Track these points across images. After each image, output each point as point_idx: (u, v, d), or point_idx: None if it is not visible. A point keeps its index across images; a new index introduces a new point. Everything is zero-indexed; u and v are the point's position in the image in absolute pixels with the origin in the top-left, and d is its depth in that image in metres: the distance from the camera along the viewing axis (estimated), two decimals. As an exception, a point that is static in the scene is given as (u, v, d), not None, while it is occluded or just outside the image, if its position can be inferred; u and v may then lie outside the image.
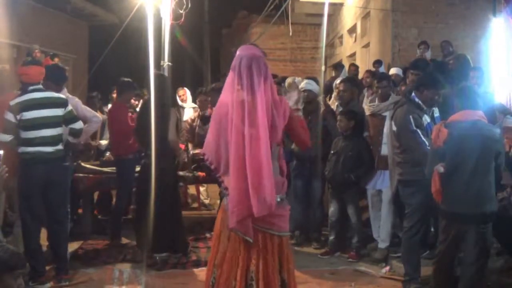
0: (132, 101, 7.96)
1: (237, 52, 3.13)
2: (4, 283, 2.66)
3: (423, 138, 4.59)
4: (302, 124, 3.36)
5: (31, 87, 4.91)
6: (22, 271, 2.80)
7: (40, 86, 4.99)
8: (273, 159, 3.08)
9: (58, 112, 4.95)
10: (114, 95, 8.49)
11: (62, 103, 5.00)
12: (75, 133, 5.17)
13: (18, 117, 4.82)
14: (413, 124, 4.64)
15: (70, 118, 5.06)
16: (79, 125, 5.16)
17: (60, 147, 4.97)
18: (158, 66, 7.42)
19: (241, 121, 2.97)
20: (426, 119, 4.73)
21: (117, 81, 6.82)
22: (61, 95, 5.14)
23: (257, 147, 2.93)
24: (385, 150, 5.73)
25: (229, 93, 3.06)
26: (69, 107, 5.07)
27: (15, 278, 2.75)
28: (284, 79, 7.72)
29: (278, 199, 3.08)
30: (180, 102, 8.52)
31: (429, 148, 4.49)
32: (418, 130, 4.62)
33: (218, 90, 7.17)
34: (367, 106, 6.20)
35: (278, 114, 3.05)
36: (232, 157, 2.99)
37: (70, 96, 5.57)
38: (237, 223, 2.97)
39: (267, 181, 2.92)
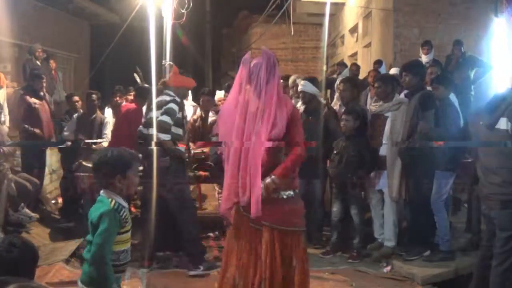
0: (118, 99, 7.99)
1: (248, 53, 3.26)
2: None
3: None
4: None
5: None
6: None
7: None
8: (275, 157, 3.12)
9: None
10: (118, 99, 8.47)
11: None
12: None
13: None
14: None
15: None
16: None
17: None
18: (159, 65, 7.42)
19: (244, 119, 3.04)
20: None
21: (137, 87, 7.08)
22: None
23: (258, 146, 2.99)
24: (384, 150, 5.73)
25: (237, 90, 3.14)
26: None
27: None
28: (286, 78, 7.74)
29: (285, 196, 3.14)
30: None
31: None
32: None
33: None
34: (372, 106, 6.20)
35: (281, 112, 3.08)
36: (230, 154, 3.14)
37: None
38: (226, 210, 3.22)
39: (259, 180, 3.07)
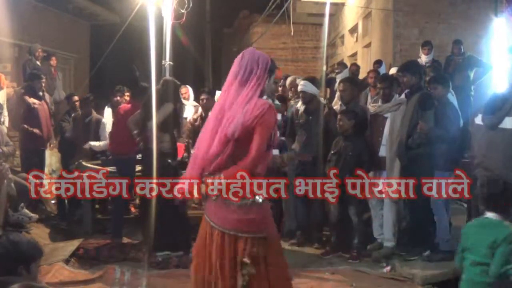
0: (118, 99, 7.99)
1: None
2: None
3: None
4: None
5: None
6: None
7: None
8: (229, 160, 3.03)
9: None
10: (118, 98, 8.45)
11: None
12: None
13: None
14: None
15: None
16: None
17: None
18: (159, 65, 7.42)
19: (216, 120, 3.01)
20: None
21: (135, 85, 7.05)
22: None
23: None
24: (383, 151, 5.72)
25: (222, 90, 3.12)
26: None
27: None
28: (286, 78, 7.75)
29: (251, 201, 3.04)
30: (182, 100, 8.52)
31: None
32: None
33: None
34: (371, 106, 6.20)
35: (244, 113, 2.91)
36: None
37: None
38: None
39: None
